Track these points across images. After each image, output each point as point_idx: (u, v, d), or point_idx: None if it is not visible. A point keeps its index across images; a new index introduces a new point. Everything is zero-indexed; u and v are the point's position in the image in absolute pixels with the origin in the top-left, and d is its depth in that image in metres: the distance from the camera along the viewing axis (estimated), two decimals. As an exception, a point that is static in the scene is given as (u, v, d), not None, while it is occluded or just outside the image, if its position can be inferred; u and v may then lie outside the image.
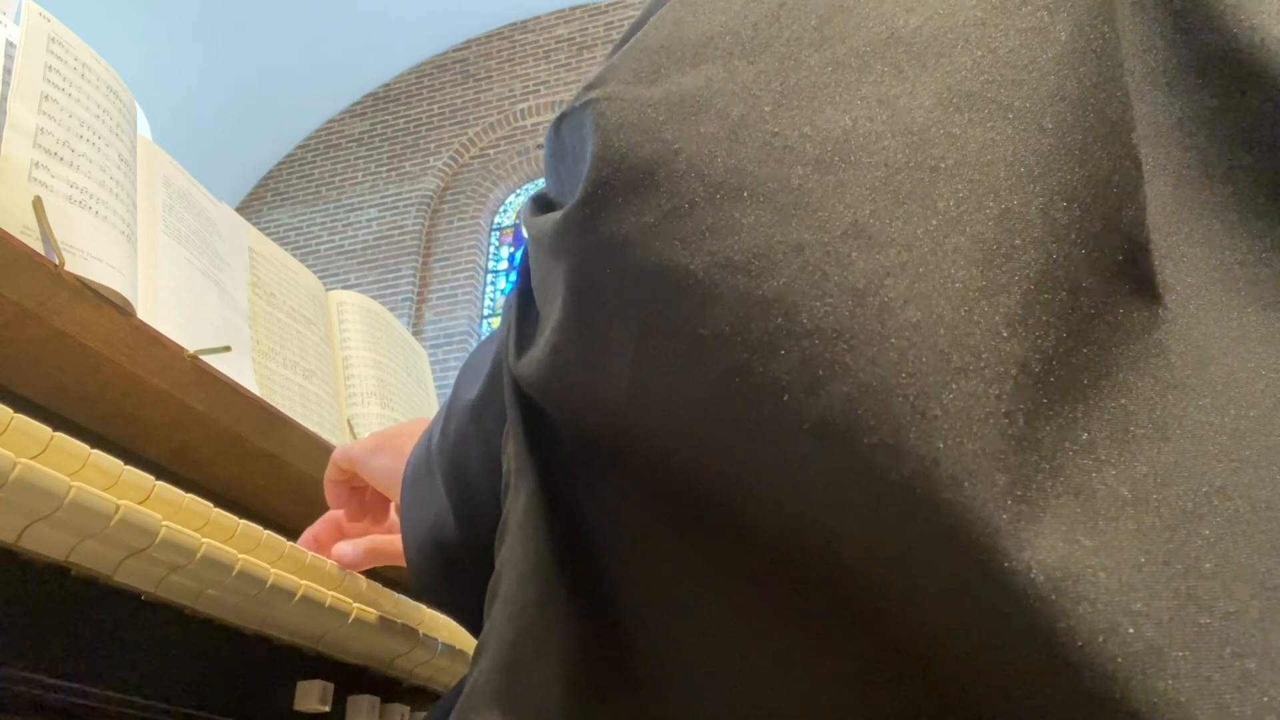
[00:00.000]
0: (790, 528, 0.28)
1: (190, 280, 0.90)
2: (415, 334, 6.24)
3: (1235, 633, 0.22)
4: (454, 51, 7.25)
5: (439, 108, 7.11)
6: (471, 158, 6.90)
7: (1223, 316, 0.28)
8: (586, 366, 0.32)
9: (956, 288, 0.26)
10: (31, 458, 0.48)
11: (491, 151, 6.85)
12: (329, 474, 0.72)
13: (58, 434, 0.51)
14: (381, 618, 0.70)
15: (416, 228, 6.73)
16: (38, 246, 0.67)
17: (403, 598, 0.76)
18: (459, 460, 0.47)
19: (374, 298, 1.43)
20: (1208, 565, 0.23)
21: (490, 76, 7.05)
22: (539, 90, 6.87)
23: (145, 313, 0.78)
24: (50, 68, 0.76)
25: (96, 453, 0.53)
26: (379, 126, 7.23)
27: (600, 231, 0.31)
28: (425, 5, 6.89)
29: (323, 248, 6.93)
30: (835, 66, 0.30)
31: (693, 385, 0.29)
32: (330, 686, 0.67)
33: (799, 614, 0.29)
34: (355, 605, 0.68)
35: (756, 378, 0.27)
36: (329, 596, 0.65)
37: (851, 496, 0.26)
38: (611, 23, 6.89)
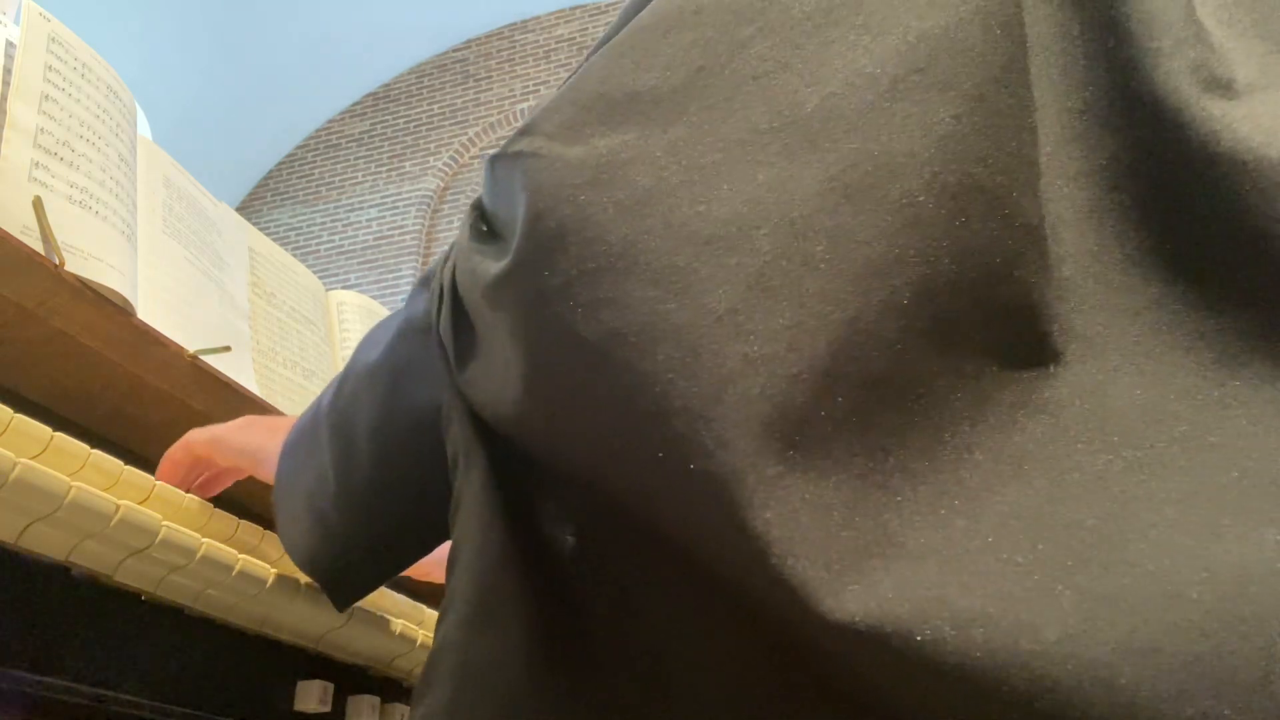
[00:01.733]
0: (687, 552, 0.31)
1: (190, 280, 0.90)
2: (415, 334, 6.21)
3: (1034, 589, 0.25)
4: (454, 51, 7.25)
5: (439, 108, 7.11)
6: (471, 158, 6.90)
7: (1124, 363, 0.30)
8: (519, 410, 0.36)
9: (802, 387, 0.28)
10: (31, 458, 0.48)
11: (491, 151, 6.85)
12: (178, 455, 0.67)
13: (58, 434, 0.52)
14: (382, 618, 0.70)
15: (416, 228, 6.72)
16: (38, 246, 0.67)
17: (402, 598, 0.76)
18: (350, 416, 0.50)
19: (374, 298, 1.43)
20: (1037, 577, 0.26)
21: (490, 76, 7.04)
22: (539, 90, 6.86)
23: (145, 313, 0.78)
24: (50, 68, 0.76)
25: (96, 453, 0.54)
26: (379, 126, 7.23)
27: (527, 289, 0.34)
28: (425, 5, 6.88)
29: (323, 248, 6.93)
30: (738, 144, 0.32)
31: (593, 444, 0.33)
32: (330, 686, 0.67)
33: (712, 602, 0.32)
34: (355, 605, 0.68)
35: (641, 448, 0.30)
36: (329, 596, 0.65)
37: (720, 553, 0.29)
38: (611, 23, 6.87)
